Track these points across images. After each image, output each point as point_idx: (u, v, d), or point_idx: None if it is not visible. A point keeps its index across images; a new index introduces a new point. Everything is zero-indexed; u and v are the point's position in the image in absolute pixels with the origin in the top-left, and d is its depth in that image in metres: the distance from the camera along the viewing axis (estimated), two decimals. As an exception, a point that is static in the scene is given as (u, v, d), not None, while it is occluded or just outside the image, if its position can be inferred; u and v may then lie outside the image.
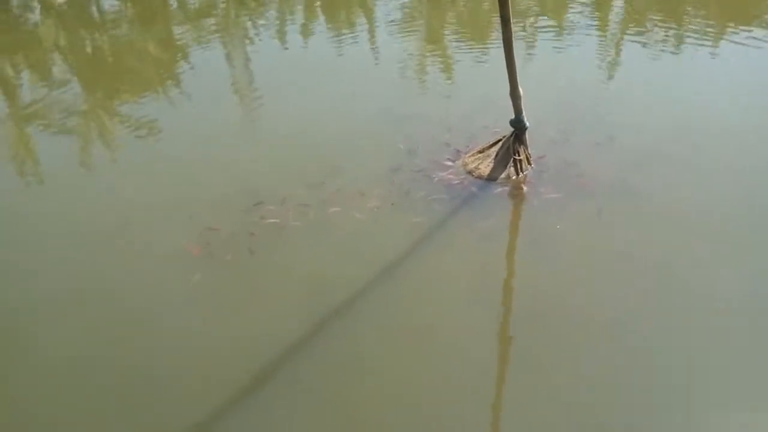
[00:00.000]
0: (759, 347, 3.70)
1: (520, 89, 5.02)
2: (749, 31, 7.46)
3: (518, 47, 5.00)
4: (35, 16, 10.07)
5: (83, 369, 3.90)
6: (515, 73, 4.96)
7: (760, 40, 7.25)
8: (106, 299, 4.38)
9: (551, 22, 8.28)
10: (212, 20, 9.44)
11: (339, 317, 4.09)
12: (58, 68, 8.42)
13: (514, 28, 4.82)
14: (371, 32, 8.51)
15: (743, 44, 7.21)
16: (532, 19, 8.35)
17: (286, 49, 8.35)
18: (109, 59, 8.71)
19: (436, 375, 3.70)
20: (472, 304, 4.13)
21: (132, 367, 3.88)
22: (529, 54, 7.40)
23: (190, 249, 4.67)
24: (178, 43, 8.87)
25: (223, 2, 9.95)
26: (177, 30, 9.31)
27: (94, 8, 10.21)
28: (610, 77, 6.91)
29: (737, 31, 7.52)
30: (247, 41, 8.70)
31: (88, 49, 9.08)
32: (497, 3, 4.70)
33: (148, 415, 3.61)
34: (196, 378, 3.79)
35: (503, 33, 4.76)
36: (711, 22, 7.83)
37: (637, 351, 3.72)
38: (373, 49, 8.09)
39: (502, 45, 4.87)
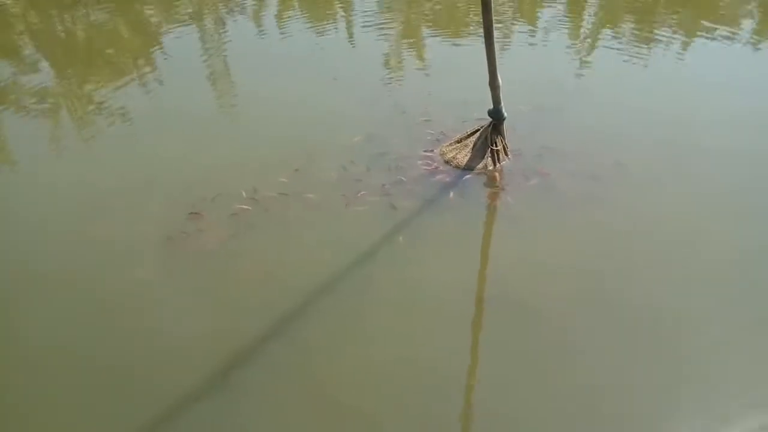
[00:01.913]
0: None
1: (499, 79, 5.01)
2: (716, 29, 7.58)
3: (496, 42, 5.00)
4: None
5: (55, 356, 3.82)
6: (495, 62, 4.95)
7: (726, 38, 7.38)
8: (77, 285, 4.30)
9: (527, 22, 8.32)
10: (188, 5, 9.28)
11: (315, 303, 4.05)
12: (28, 50, 8.19)
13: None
14: (348, 21, 8.46)
15: (712, 41, 7.33)
16: (508, 18, 8.38)
17: (263, 36, 8.25)
18: (81, 42, 8.50)
19: (412, 358, 3.68)
20: (446, 289, 4.12)
21: (105, 353, 3.81)
22: (505, 49, 7.42)
23: (164, 235, 4.59)
24: (153, 27, 8.71)
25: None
26: (151, 14, 9.13)
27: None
28: (585, 73, 6.94)
29: (707, 29, 7.64)
30: (223, 27, 8.56)
31: (60, 31, 8.85)
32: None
33: (118, 402, 3.54)
34: (172, 363, 3.73)
35: (484, 20, 4.74)
36: (681, 22, 7.95)
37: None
38: (350, 38, 8.04)
39: (482, 34, 4.87)
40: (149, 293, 4.20)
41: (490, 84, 5.05)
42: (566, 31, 7.85)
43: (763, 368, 3.59)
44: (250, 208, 4.79)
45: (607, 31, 7.87)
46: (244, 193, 4.90)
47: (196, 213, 4.74)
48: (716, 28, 7.65)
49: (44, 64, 7.69)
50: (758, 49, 7.26)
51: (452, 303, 4.04)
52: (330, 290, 4.14)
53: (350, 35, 8.10)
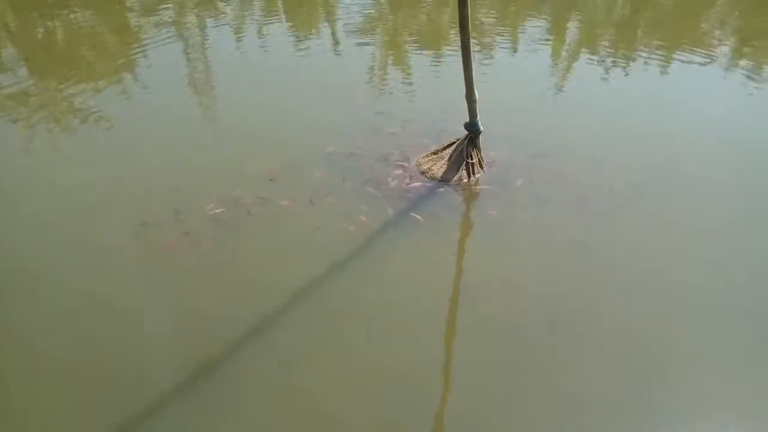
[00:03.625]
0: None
1: (476, 93, 5.05)
2: (695, 52, 7.71)
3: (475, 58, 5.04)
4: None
5: (40, 357, 3.80)
6: (471, 77, 4.99)
7: (705, 61, 7.51)
8: (55, 286, 4.29)
9: (508, 40, 8.42)
10: (170, 10, 9.27)
11: (290, 309, 4.04)
12: (7, 51, 8.13)
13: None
14: (332, 32, 8.50)
15: (692, 64, 7.45)
16: (489, 36, 8.48)
17: (245, 44, 8.25)
18: (61, 45, 8.44)
19: (387, 366, 3.70)
20: (420, 297, 4.14)
21: (76, 356, 3.80)
22: (486, 65, 7.48)
23: (140, 238, 4.59)
24: (134, 31, 8.67)
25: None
26: (133, 18, 9.11)
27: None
28: (563, 90, 7.01)
29: (684, 50, 7.77)
30: (205, 34, 8.56)
31: (40, 33, 8.78)
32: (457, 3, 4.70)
33: (87, 412, 3.51)
34: (146, 367, 3.70)
35: (461, 35, 4.78)
36: (660, 43, 8.08)
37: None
38: (333, 50, 8.07)
39: (459, 49, 4.91)
40: (124, 298, 4.17)
41: (466, 97, 5.08)
42: (547, 49, 7.94)
43: (731, 380, 3.64)
44: (225, 209, 4.80)
45: (587, 50, 7.98)
46: (212, 205, 4.86)
47: (178, 221, 4.71)
48: (695, 51, 7.78)
49: (22, 66, 7.62)
50: (735, 71, 7.37)
51: (426, 309, 4.05)
52: (302, 300, 4.12)
53: (334, 45, 8.13)
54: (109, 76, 7.28)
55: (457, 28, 4.84)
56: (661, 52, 7.79)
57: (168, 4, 9.50)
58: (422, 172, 5.24)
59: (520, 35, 8.33)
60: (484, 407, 3.49)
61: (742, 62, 7.57)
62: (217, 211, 4.80)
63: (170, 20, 8.90)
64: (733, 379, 3.65)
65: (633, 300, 4.12)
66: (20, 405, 3.53)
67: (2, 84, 7.06)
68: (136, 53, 7.86)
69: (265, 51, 8.07)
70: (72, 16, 9.15)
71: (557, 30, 8.53)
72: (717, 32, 8.51)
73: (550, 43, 8.10)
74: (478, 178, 5.21)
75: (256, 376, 3.65)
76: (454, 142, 5.36)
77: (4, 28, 8.82)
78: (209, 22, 8.94)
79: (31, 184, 5.32)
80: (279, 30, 8.66)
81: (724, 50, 7.88)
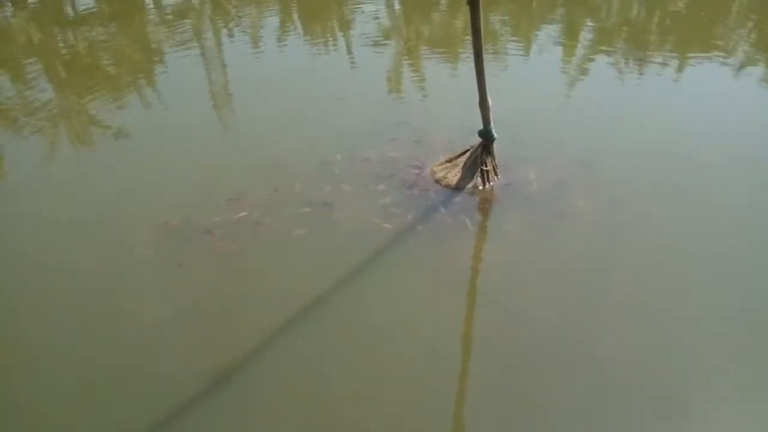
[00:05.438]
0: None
1: (489, 100, 5.06)
2: (707, 57, 7.65)
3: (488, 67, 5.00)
4: (7, 10, 9.93)
5: (58, 360, 3.88)
6: (484, 84, 4.99)
7: (715, 65, 7.44)
8: (76, 290, 4.39)
9: (521, 47, 8.43)
10: (188, 23, 9.41)
11: (304, 318, 4.07)
12: (30, 65, 8.31)
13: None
14: (347, 43, 8.57)
15: (700, 69, 7.39)
16: (502, 42, 8.48)
17: (261, 53, 8.35)
18: (83, 58, 8.61)
19: (397, 374, 3.70)
20: (432, 307, 4.14)
21: (107, 359, 3.86)
22: (498, 73, 7.49)
23: (154, 246, 4.66)
24: (154, 44, 8.82)
25: (198, 5, 9.93)
26: (153, 31, 9.26)
27: (69, 7, 10.13)
28: (574, 98, 6.98)
29: (696, 57, 7.71)
30: (222, 45, 8.68)
31: (62, 47, 8.97)
32: (469, 13, 4.73)
33: (117, 404, 3.59)
34: (162, 373, 3.74)
35: (474, 43, 4.80)
36: (672, 50, 8.03)
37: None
38: (349, 59, 8.13)
39: (472, 56, 4.92)
40: (142, 302, 4.24)
41: (480, 104, 5.09)
42: (559, 56, 7.93)
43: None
44: (240, 216, 4.84)
45: (601, 56, 7.94)
46: (227, 213, 4.93)
47: (195, 227, 4.79)
48: (708, 55, 7.72)
49: (44, 79, 7.80)
50: (751, 75, 7.30)
51: (438, 320, 4.04)
52: (318, 307, 4.14)
53: (349, 55, 8.19)
54: (128, 88, 7.42)
55: (470, 36, 4.85)
56: (678, 62, 7.73)
57: (186, 17, 9.66)
58: (437, 181, 5.25)
59: (533, 44, 8.33)
60: (499, 412, 3.48)
61: None
62: (235, 216, 4.86)
63: (188, 32, 9.03)
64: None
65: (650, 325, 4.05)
66: (37, 409, 3.58)
67: (26, 96, 7.23)
68: (154, 65, 8.01)
69: (281, 61, 8.14)
70: (92, 30, 9.33)
71: (571, 37, 8.51)
72: (733, 33, 8.44)
73: (564, 50, 8.08)
74: (492, 186, 5.20)
75: (275, 380, 3.67)
76: (468, 150, 5.36)
77: (27, 42, 9.02)
78: (226, 33, 9.06)
79: (51, 192, 5.45)
80: (294, 41, 8.75)
81: (750, 58, 7.77)
